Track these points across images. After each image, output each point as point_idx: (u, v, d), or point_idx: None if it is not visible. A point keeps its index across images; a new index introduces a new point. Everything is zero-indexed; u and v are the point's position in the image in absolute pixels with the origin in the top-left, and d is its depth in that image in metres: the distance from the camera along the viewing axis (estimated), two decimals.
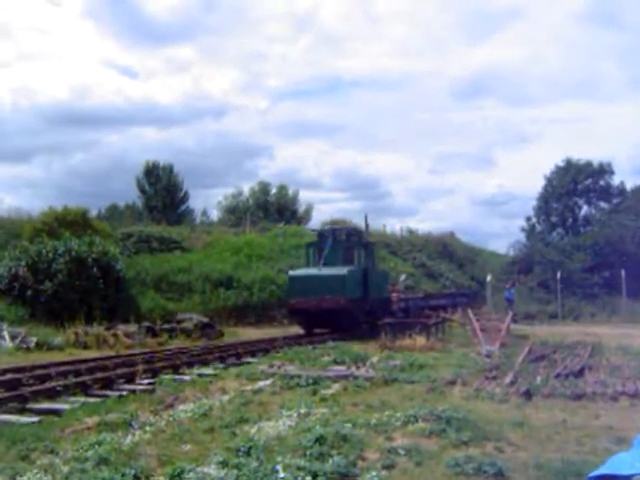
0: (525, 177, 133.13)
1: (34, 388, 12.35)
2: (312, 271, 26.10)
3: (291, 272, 27.26)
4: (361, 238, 28.68)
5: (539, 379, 13.32)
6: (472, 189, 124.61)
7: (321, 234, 28.39)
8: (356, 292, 25.70)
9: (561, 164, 54.25)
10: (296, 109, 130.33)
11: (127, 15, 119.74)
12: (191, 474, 6.94)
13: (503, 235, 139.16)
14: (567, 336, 23.72)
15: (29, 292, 26.33)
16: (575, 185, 53.23)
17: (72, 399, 12.00)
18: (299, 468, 7.03)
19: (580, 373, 14.18)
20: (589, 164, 53.21)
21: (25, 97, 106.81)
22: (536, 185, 57.17)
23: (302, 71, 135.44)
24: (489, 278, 36.70)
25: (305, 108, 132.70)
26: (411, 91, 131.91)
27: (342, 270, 25.40)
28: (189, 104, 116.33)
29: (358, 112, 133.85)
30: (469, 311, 26.68)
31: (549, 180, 54.58)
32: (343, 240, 27.48)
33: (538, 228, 55.23)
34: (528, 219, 55.95)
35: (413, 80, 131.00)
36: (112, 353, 19.46)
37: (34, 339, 20.67)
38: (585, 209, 54.42)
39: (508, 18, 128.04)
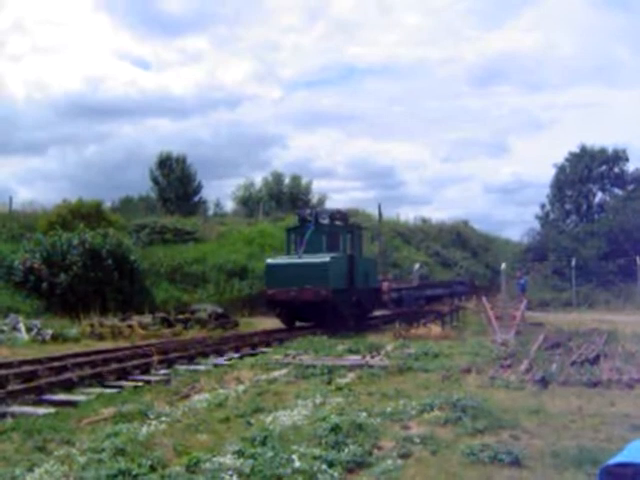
0: (539, 164, 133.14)
1: (50, 379, 12.41)
2: (291, 259, 24.06)
3: (269, 260, 25.02)
4: (347, 222, 26.44)
5: (554, 367, 13.27)
6: (486, 177, 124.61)
7: (302, 218, 25.83)
8: (341, 282, 23.60)
9: (575, 151, 53.96)
10: (310, 98, 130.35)
11: (140, 6, 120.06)
12: (207, 464, 6.96)
13: (517, 223, 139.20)
14: (582, 324, 23.65)
15: (44, 284, 26.42)
16: (589, 172, 52.85)
17: (88, 390, 12.05)
18: (315, 457, 7.05)
19: (595, 360, 14.15)
20: (603, 151, 52.81)
21: (39, 90, 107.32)
22: (550, 172, 56.84)
23: (316, 60, 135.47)
24: (503, 266, 36.55)
25: (319, 97, 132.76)
26: (425, 79, 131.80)
27: (324, 257, 23.24)
28: (203, 95, 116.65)
29: (372, 100, 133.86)
30: (483, 299, 26.53)
31: (561, 168, 54.27)
32: (326, 224, 25.12)
33: (552, 215, 54.93)
34: (542, 206, 55.70)
35: (427, 67, 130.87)
36: (127, 344, 19.50)
37: (50, 331, 20.75)
38: (599, 196, 54.04)
39: (522, 4, 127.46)
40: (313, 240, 24.09)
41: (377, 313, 27.78)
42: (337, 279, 23.35)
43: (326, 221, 25.32)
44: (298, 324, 24.71)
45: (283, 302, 23.46)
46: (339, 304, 23.34)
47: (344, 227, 25.82)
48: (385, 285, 27.07)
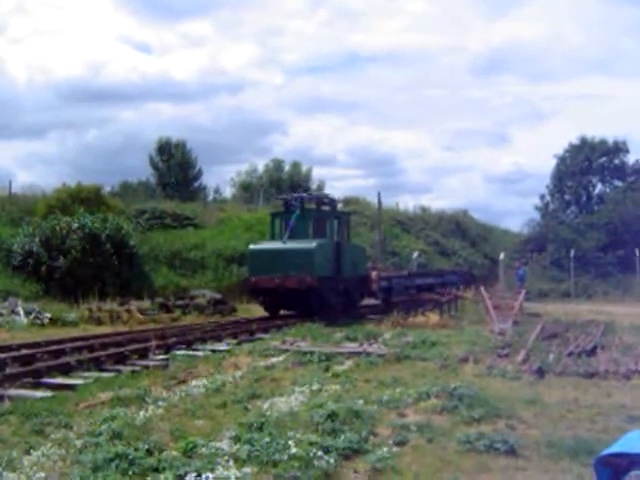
0: (540, 155, 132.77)
1: (48, 363, 12.45)
2: (275, 245, 23.11)
3: (251, 246, 24.19)
4: (334, 207, 25.41)
5: (552, 357, 13.30)
6: (487, 166, 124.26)
7: (287, 202, 24.76)
8: (327, 269, 22.73)
9: (576, 142, 53.95)
10: (312, 85, 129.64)
11: None
12: (203, 449, 6.96)
13: (517, 213, 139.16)
14: (580, 314, 23.72)
15: (43, 268, 26.44)
16: (589, 163, 52.90)
17: (86, 374, 12.08)
18: (311, 443, 7.05)
19: (593, 351, 14.18)
20: (603, 142, 52.85)
21: (40, 73, 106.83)
22: (551, 163, 56.95)
23: (318, 46, 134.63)
24: (502, 256, 36.61)
25: (321, 84, 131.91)
26: (428, 67, 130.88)
27: (310, 243, 22.43)
28: (205, 80, 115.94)
29: (374, 88, 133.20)
30: (482, 289, 26.51)
31: (562, 159, 54.29)
32: (312, 209, 24.43)
33: (552, 206, 54.97)
34: (542, 197, 55.74)
35: (430, 56, 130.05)
36: (125, 329, 19.56)
37: (48, 315, 20.79)
38: (599, 187, 54.16)
39: None
40: (298, 226, 23.26)
41: (366, 302, 27.22)
42: (323, 266, 22.60)
43: (312, 206, 24.73)
44: (282, 312, 24.03)
45: (267, 290, 22.61)
46: (325, 292, 22.52)
47: (331, 213, 24.92)
48: (374, 273, 26.15)
